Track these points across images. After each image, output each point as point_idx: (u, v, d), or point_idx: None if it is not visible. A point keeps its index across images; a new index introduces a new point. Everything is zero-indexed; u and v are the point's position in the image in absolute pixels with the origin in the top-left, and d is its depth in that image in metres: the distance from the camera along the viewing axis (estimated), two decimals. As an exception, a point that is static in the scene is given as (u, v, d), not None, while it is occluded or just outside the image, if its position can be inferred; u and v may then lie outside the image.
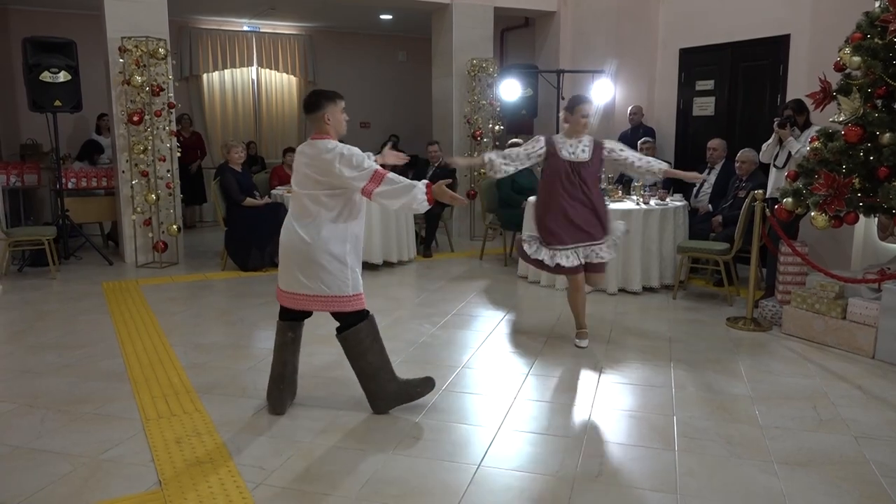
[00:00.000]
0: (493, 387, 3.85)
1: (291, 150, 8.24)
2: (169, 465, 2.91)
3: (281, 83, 11.44)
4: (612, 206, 5.96)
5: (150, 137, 6.90)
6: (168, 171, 7.09)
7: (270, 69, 11.27)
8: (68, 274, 6.73)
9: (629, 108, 7.88)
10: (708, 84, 7.38)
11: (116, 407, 3.52)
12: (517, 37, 10.44)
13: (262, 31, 11.09)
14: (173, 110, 7.10)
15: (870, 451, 3.08)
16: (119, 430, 3.25)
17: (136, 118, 6.74)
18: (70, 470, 2.87)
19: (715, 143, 6.58)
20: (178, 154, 7.28)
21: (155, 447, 3.07)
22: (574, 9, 9.09)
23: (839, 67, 4.57)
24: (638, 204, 6.05)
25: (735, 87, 7.12)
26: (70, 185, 7.49)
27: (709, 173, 6.59)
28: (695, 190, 6.66)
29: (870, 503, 2.66)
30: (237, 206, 6.79)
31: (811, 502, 2.66)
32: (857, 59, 4.36)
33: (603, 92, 8.46)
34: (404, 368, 4.09)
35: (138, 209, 7.01)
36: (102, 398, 3.63)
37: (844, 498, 2.69)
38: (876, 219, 4.84)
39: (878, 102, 4.38)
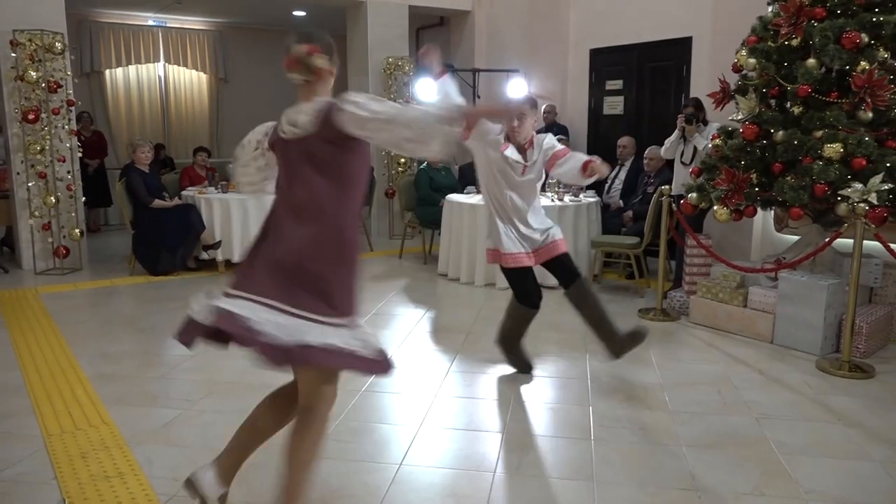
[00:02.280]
0: (414, 385, 3.85)
1: (202, 149, 7.98)
2: (74, 481, 2.76)
3: (190, 80, 11.04)
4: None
5: (48, 137, 6.52)
6: (69, 172, 6.73)
7: (179, 66, 10.85)
8: (-42, 283, 6.28)
9: (543, 107, 8.03)
10: (617, 83, 7.62)
11: (14, 423, 3.31)
12: (432, 36, 10.46)
13: (168, 25, 10.66)
14: (73, 108, 6.74)
15: (769, 430, 3.27)
16: (17, 447, 3.06)
17: (31, 116, 6.35)
18: (-38, 493, 2.69)
19: (624, 140, 6.81)
20: (80, 154, 6.92)
21: (58, 463, 2.91)
22: (488, 8, 9.20)
23: (737, 69, 4.82)
24: (553, 201, 6.19)
25: (642, 86, 7.39)
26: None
27: (619, 170, 6.81)
28: (606, 186, 6.87)
29: (770, 479, 2.82)
30: (145, 209, 6.51)
31: (717, 481, 2.79)
32: (752, 60, 4.60)
33: (518, 90, 8.59)
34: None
35: (36, 213, 6.61)
36: (-2, 414, 3.41)
37: (748, 475, 2.84)
38: (772, 211, 5.13)
39: (772, 102, 4.65)
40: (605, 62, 7.72)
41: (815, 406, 3.58)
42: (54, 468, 2.87)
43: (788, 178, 4.32)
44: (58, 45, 6.44)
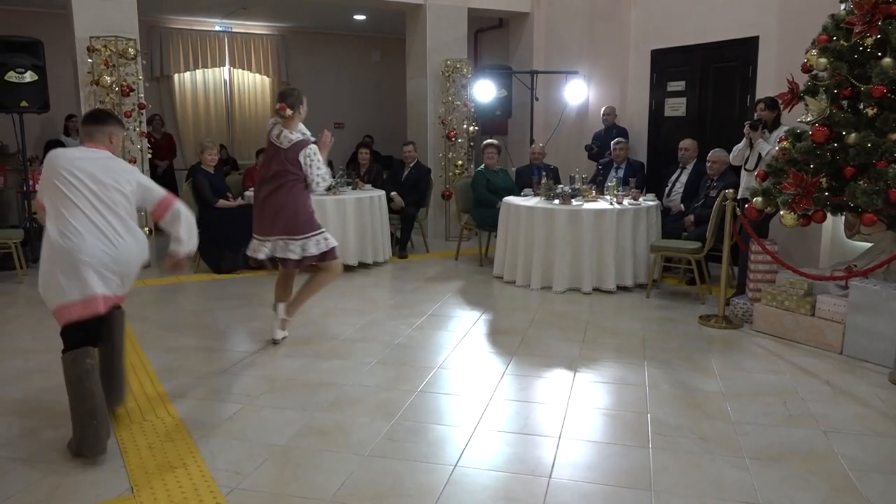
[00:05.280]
0: (469, 387, 3.85)
1: (265, 150, 8.17)
2: (141, 470, 2.87)
3: (254, 83, 11.35)
4: (587, 205, 6.02)
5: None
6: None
7: (243, 69, 11.17)
8: (36, 278, 6.56)
9: (602, 109, 7.94)
10: (679, 85, 7.46)
11: (86, 413, 3.46)
12: (491, 38, 10.47)
13: (234, 30, 10.99)
14: (144, 111, 7.00)
15: (838, 444, 3.14)
16: (89, 436, 3.19)
17: (105, 119, 6.63)
18: (39, 477, 2.82)
19: (686, 143, 6.66)
20: (150, 155, 7.19)
21: (126, 453, 3.02)
22: (547, 10, 9.14)
23: (806, 69, 4.66)
24: (612, 204, 6.10)
25: (706, 87, 7.21)
26: (38, 188, 7.34)
27: (680, 173, 6.67)
28: (667, 189, 6.74)
29: (838, 496, 2.71)
30: (210, 208, 6.72)
31: (782, 496, 2.70)
32: (823, 60, 4.44)
33: (577, 92, 8.52)
34: (380, 370, 4.09)
35: (108, 211, 6.89)
36: (72, 404, 3.56)
37: (814, 491, 2.74)
38: (843, 217, 4.94)
39: (844, 103, 4.47)
40: (667, 63, 7.56)
41: (887, 421, 3.43)
42: (123, 457, 2.99)
43: (861, 183, 4.15)
44: (130, 50, 6.72)
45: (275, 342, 4.53)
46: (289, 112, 4.44)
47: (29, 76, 6.69)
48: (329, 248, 4.42)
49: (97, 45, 6.62)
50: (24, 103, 6.70)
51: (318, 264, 4.47)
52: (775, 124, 5.46)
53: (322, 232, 4.46)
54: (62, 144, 8.38)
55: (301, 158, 4.38)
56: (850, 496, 2.71)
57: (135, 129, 6.91)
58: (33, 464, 2.93)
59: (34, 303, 5.67)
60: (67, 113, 8.64)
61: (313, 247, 4.38)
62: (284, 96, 4.48)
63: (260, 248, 4.46)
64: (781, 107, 4.89)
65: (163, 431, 3.24)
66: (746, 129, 5.41)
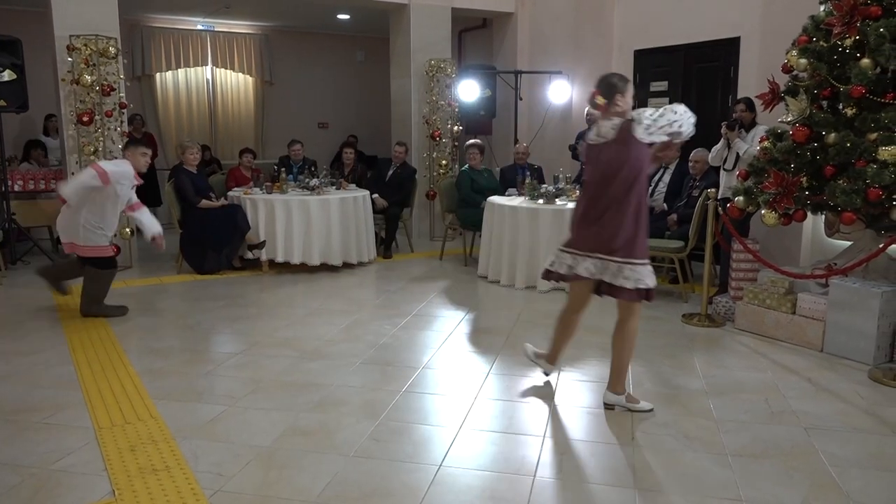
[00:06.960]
0: (454, 387, 3.85)
1: (248, 151, 8.14)
2: (123, 473, 2.84)
3: (237, 83, 11.26)
4: (571, 205, 6.03)
5: (101, 138, 6.72)
6: (120, 172, 6.91)
7: (226, 69, 11.08)
8: (16, 279, 6.51)
9: (586, 109, 7.95)
10: (662, 85, 7.51)
11: (67, 415, 3.42)
12: (475, 38, 10.48)
13: (216, 30, 10.90)
14: (125, 110, 6.93)
15: (819, 441, 3.18)
16: (70, 439, 3.16)
17: (85, 119, 6.56)
18: (19, 481, 2.78)
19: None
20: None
21: (108, 456, 2.99)
22: (531, 10, 9.16)
23: (787, 69, 4.71)
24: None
25: (688, 88, 7.26)
26: (16, 188, 7.25)
27: (663, 173, 6.71)
28: (650, 189, 6.78)
29: (820, 492, 2.74)
30: (192, 208, 6.67)
31: (764, 493, 2.73)
32: (803, 61, 4.49)
33: (560, 92, 8.55)
34: (365, 370, 4.08)
35: (89, 212, 6.81)
36: (53, 406, 3.52)
37: (796, 487, 2.77)
38: (823, 216, 5.00)
39: (824, 103, 4.53)
40: (649, 63, 7.61)
41: (867, 417, 3.47)
42: (104, 460, 2.96)
43: (841, 182, 4.20)
44: (111, 49, 6.64)
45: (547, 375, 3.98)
46: (600, 101, 3.55)
47: (7, 75, 6.60)
48: (650, 287, 3.41)
49: (77, 44, 6.54)
50: (2, 102, 6.61)
51: (628, 301, 3.45)
52: (752, 124, 5.52)
53: (649, 263, 3.48)
54: (42, 144, 8.28)
55: (637, 130, 3.47)
56: (831, 492, 2.74)
57: (115, 129, 6.83)
58: (13, 468, 2.89)
59: (14, 304, 5.60)
60: (47, 113, 8.53)
61: (648, 277, 3.40)
62: (599, 82, 3.60)
63: (579, 264, 3.48)
64: (762, 107, 4.94)
65: (145, 433, 3.21)
66: (723, 130, 5.46)
